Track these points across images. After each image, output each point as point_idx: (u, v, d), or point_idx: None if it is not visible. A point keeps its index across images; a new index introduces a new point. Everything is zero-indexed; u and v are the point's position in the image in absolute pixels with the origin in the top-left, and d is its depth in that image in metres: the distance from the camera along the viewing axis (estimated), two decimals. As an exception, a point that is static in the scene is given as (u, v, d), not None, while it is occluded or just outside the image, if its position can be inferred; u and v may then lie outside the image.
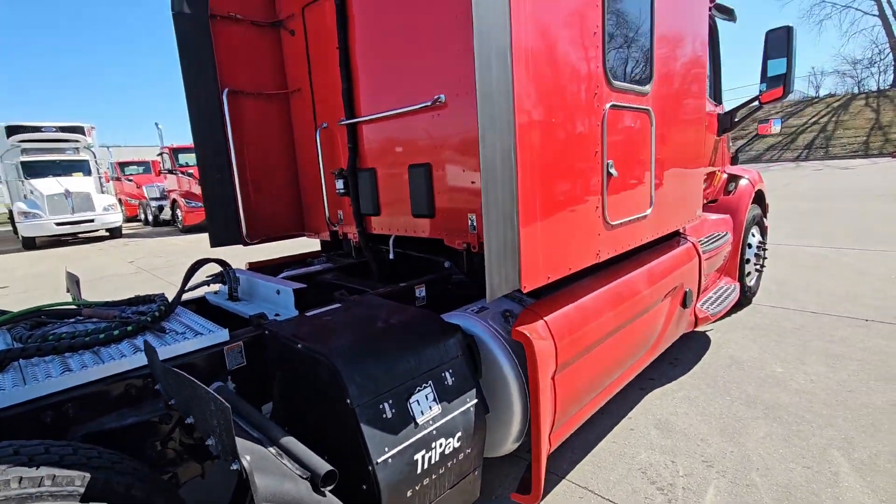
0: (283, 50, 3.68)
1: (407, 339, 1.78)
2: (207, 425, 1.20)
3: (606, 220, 2.31)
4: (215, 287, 2.73)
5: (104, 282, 8.64)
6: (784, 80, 3.92)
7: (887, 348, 3.85)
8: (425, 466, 1.61)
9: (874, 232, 8.18)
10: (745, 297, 4.95)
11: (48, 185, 13.64)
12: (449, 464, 1.70)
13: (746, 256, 4.84)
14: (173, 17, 3.20)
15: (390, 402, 1.58)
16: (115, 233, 14.97)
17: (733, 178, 4.87)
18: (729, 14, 4.33)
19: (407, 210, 2.81)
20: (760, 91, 4.10)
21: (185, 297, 2.56)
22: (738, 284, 4.45)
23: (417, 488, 1.60)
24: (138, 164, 22.02)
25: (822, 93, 35.94)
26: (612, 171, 2.29)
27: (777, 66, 3.94)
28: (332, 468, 1.32)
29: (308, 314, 2.05)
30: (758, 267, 5.03)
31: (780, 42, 3.90)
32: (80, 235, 15.12)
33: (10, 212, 15.04)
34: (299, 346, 1.68)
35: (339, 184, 3.25)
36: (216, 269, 2.73)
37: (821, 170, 21.19)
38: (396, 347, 1.72)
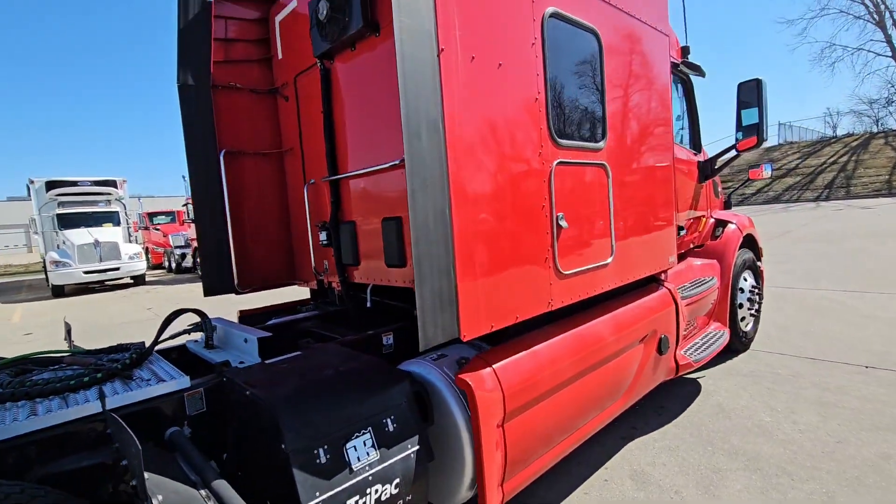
0: (278, 113, 3.99)
1: (351, 387, 1.88)
2: (130, 466, 1.32)
3: (558, 270, 2.41)
4: (196, 335, 2.88)
5: (120, 328, 8.96)
6: (757, 130, 4.06)
7: (884, 396, 3.73)
8: (360, 512, 1.67)
9: (888, 274, 7.98)
10: (741, 343, 4.88)
11: (79, 236, 14.40)
12: (387, 510, 1.75)
13: (739, 301, 4.81)
14: (178, 89, 3.54)
15: (325, 447, 1.66)
16: (138, 280, 15.56)
17: (721, 224, 4.92)
18: (697, 70, 4.53)
19: (382, 260, 2.96)
20: (737, 139, 4.23)
21: (169, 344, 2.72)
22: (727, 330, 4.41)
23: (352, 534, 1.65)
24: (166, 213, 23.08)
25: (840, 132, 35.71)
26: (563, 223, 2.41)
27: (751, 116, 4.09)
28: None
29: (268, 362, 2.17)
30: (753, 312, 4.97)
31: (751, 93, 4.06)
32: (107, 283, 15.75)
33: (44, 260, 15.83)
34: (247, 392, 1.80)
35: (323, 235, 3.44)
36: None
37: (841, 210, 20.81)
38: (339, 395, 1.82)
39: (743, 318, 4.88)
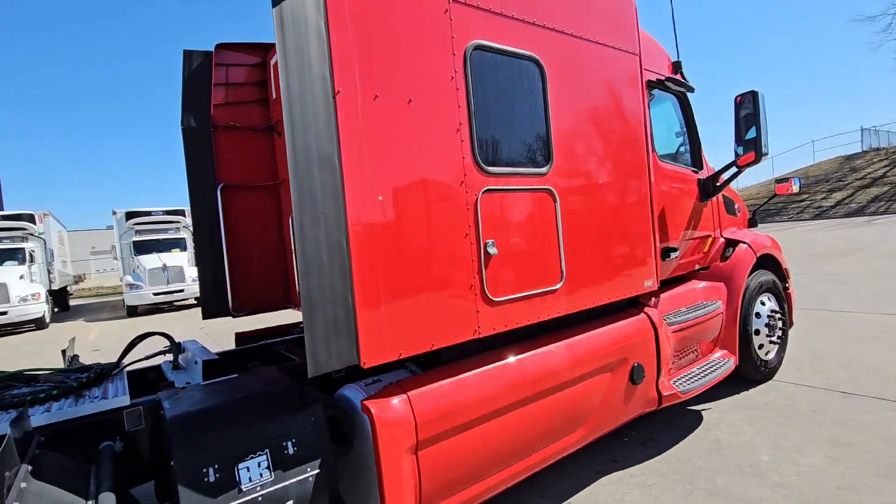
0: (274, 148, 4.29)
1: (259, 410, 1.99)
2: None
3: (487, 297, 2.40)
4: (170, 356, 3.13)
5: (172, 346, 9.69)
6: (755, 145, 3.83)
7: (913, 438, 3.29)
8: (248, 531, 1.75)
9: (967, 296, 7.03)
10: (759, 373, 4.49)
11: (150, 261, 15.85)
12: (279, 531, 1.82)
13: (755, 327, 4.45)
14: (182, 131, 3.92)
15: (216, 466, 1.77)
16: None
17: (732, 244, 4.62)
18: (684, 86, 4.37)
19: None
20: (737, 154, 4.01)
21: (148, 363, 2.98)
22: (733, 358, 4.09)
23: (239, 552, 1.73)
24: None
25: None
26: (492, 250, 2.41)
27: (752, 130, 3.87)
28: None
29: (204, 383, 2.33)
30: (773, 339, 4.57)
31: (748, 107, 3.86)
32: (174, 303, 17.12)
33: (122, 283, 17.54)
34: (161, 411, 1.96)
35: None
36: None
37: (935, 223, 18.54)
38: (243, 417, 1.93)
39: (761, 346, 4.50)
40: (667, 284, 4.03)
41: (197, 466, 1.74)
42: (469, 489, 2.35)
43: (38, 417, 2.03)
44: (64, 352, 3.08)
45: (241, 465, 1.81)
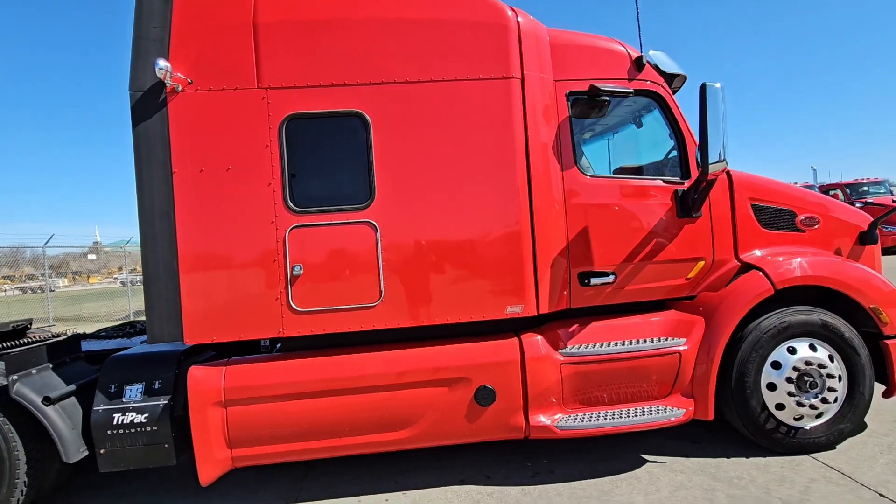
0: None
1: (147, 362, 3.38)
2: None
3: (292, 307, 3.17)
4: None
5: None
6: (702, 151, 3.19)
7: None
8: None
9: None
10: (774, 441, 3.48)
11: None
12: None
13: (769, 380, 3.46)
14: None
15: (116, 384, 3.24)
16: None
17: (746, 269, 3.66)
18: (675, 79, 3.64)
19: None
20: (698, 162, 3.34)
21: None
22: (686, 411, 3.39)
23: None
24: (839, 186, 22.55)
25: None
26: (298, 271, 3.16)
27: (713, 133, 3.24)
28: None
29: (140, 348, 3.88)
30: (812, 401, 3.41)
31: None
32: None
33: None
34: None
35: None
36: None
37: None
38: (139, 363, 3.37)
39: (781, 407, 3.46)
40: (631, 310, 3.66)
41: (107, 382, 3.25)
42: (273, 446, 3.21)
43: (90, 344, 3.94)
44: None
45: (128, 387, 3.24)
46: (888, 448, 3.50)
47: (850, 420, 3.52)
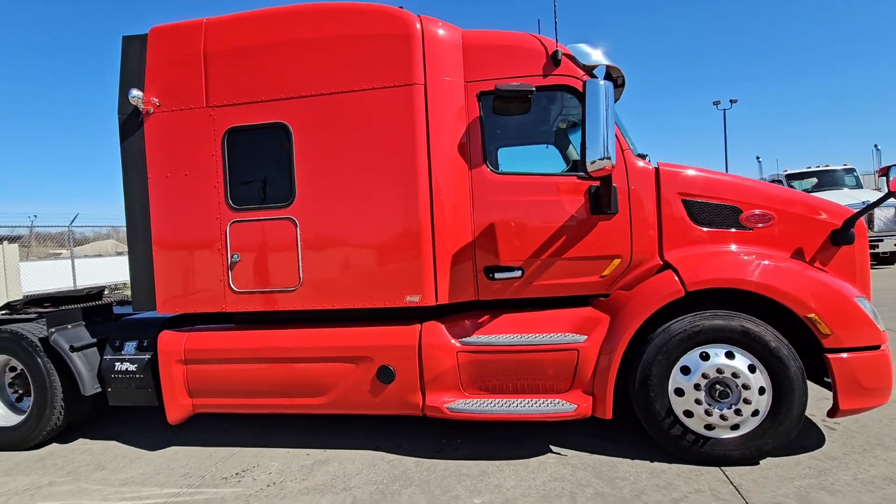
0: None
1: (139, 325, 4.34)
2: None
3: (232, 288, 3.84)
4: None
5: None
6: (582, 149, 3.19)
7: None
8: None
9: None
10: (680, 448, 3.38)
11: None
12: None
13: (676, 385, 3.34)
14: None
15: (117, 342, 4.24)
16: None
17: (665, 268, 3.50)
18: (613, 72, 3.56)
19: None
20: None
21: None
22: (578, 406, 3.41)
23: None
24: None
25: None
26: (236, 259, 3.81)
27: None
28: None
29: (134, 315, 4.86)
30: (722, 411, 3.23)
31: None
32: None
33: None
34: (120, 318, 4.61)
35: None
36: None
37: None
38: (134, 325, 4.34)
39: (689, 414, 3.33)
40: (550, 304, 3.75)
41: (114, 338, 4.27)
42: (222, 399, 3.96)
43: (120, 309, 5.05)
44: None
45: (126, 343, 4.21)
46: (817, 473, 3.17)
47: (772, 437, 3.25)
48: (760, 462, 3.33)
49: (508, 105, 3.55)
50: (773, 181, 14.96)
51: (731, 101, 27.70)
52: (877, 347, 3.24)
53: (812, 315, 3.19)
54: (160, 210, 3.95)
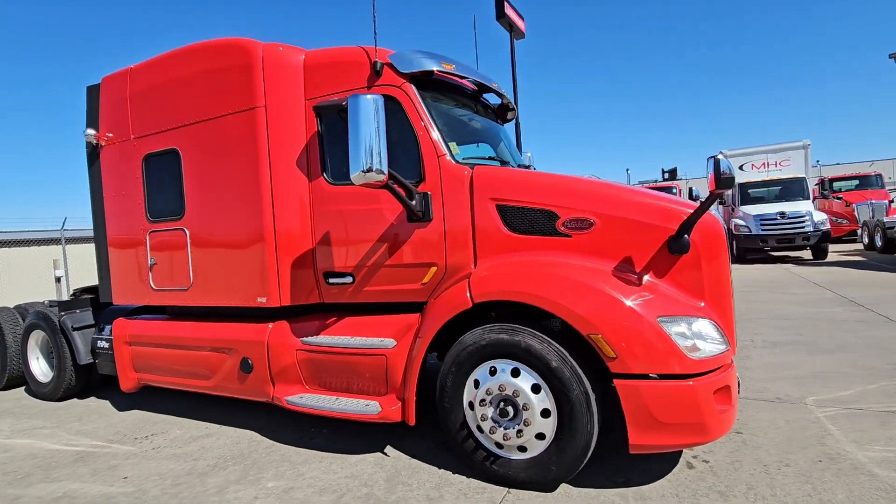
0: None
1: (112, 314, 5.49)
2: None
3: (151, 287, 4.68)
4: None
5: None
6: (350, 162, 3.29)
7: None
8: None
9: None
10: (482, 468, 3.30)
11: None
12: None
13: (471, 399, 3.27)
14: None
15: (101, 325, 5.45)
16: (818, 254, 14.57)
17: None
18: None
19: None
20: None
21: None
22: (384, 410, 3.49)
23: None
24: (851, 178, 20.62)
25: None
26: (152, 262, 4.64)
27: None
28: None
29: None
30: (505, 431, 3.08)
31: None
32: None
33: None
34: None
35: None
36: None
37: None
38: (108, 313, 5.52)
39: (481, 430, 3.23)
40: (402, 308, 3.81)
41: (100, 322, 5.49)
42: (156, 376, 4.86)
43: None
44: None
45: (106, 326, 5.39)
46: (634, 498, 2.82)
47: (556, 466, 2.98)
48: (559, 488, 3.07)
49: (341, 118, 3.73)
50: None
51: None
52: (681, 377, 2.75)
53: (596, 335, 2.84)
54: (112, 221, 4.99)
